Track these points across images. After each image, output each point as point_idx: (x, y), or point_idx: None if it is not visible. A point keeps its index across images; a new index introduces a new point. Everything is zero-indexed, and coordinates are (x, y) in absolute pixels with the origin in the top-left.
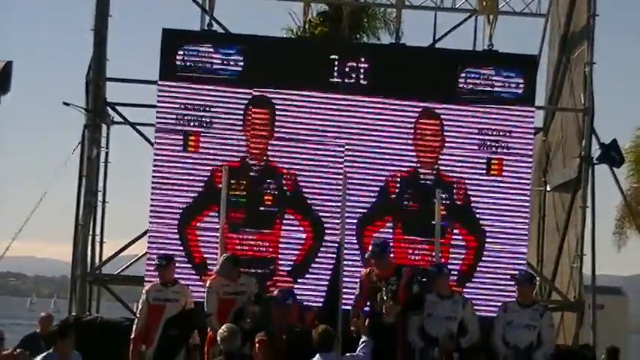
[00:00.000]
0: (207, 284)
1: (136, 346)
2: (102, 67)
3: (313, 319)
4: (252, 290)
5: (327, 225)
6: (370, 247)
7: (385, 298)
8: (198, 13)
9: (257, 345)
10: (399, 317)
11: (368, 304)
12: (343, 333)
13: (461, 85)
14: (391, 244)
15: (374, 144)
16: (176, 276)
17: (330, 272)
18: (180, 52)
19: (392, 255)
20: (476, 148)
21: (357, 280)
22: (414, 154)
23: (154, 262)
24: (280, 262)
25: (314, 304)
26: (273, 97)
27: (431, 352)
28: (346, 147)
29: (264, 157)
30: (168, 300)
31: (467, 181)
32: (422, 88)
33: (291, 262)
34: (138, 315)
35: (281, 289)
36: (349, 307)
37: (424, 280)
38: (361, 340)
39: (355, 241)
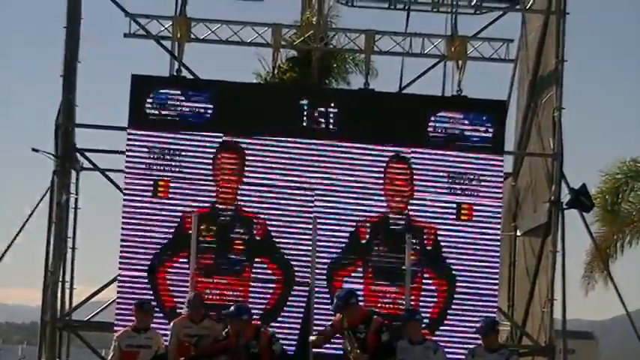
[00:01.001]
0: (172, 323)
1: None
2: (71, 112)
3: (269, 339)
4: (217, 335)
5: (297, 270)
6: (335, 301)
7: (349, 347)
8: (167, 59)
9: None
10: None
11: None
12: None
13: (430, 131)
14: (361, 289)
15: (344, 189)
16: None
17: (300, 318)
18: (150, 98)
19: (361, 302)
20: (446, 193)
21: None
22: (383, 199)
23: (136, 306)
24: (250, 307)
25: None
26: (243, 143)
27: None
28: (316, 192)
29: (234, 203)
30: (142, 346)
31: (437, 227)
32: (391, 133)
33: (262, 308)
34: None
35: (236, 304)
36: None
37: (397, 324)
38: None
39: (325, 286)
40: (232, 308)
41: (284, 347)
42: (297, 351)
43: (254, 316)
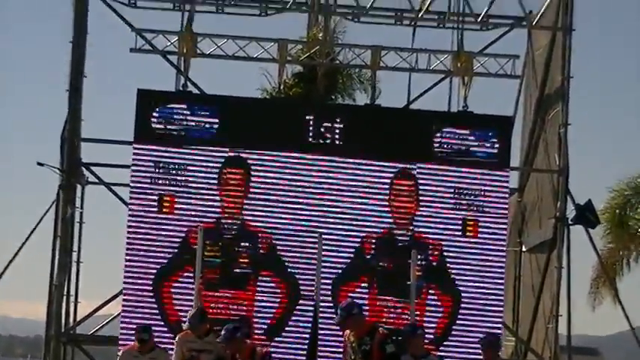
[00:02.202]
0: (177, 338)
1: None
2: (77, 126)
3: (264, 357)
4: (219, 351)
5: (303, 285)
6: (338, 312)
7: (353, 356)
8: (173, 74)
9: None
10: None
11: None
12: None
13: (436, 146)
14: (366, 304)
15: (349, 204)
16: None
17: (305, 332)
18: (156, 113)
19: (366, 317)
20: (451, 208)
21: (334, 339)
22: (389, 214)
23: (136, 336)
24: (255, 321)
25: None
26: (249, 158)
27: None
28: (321, 207)
29: (240, 218)
30: None
31: (442, 242)
32: (397, 148)
33: (267, 322)
34: None
35: (227, 326)
36: None
37: (399, 339)
38: None
39: (331, 301)
40: (224, 331)
41: None
42: None
43: (258, 331)
